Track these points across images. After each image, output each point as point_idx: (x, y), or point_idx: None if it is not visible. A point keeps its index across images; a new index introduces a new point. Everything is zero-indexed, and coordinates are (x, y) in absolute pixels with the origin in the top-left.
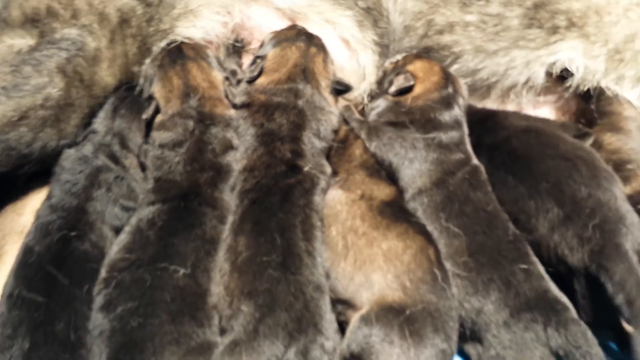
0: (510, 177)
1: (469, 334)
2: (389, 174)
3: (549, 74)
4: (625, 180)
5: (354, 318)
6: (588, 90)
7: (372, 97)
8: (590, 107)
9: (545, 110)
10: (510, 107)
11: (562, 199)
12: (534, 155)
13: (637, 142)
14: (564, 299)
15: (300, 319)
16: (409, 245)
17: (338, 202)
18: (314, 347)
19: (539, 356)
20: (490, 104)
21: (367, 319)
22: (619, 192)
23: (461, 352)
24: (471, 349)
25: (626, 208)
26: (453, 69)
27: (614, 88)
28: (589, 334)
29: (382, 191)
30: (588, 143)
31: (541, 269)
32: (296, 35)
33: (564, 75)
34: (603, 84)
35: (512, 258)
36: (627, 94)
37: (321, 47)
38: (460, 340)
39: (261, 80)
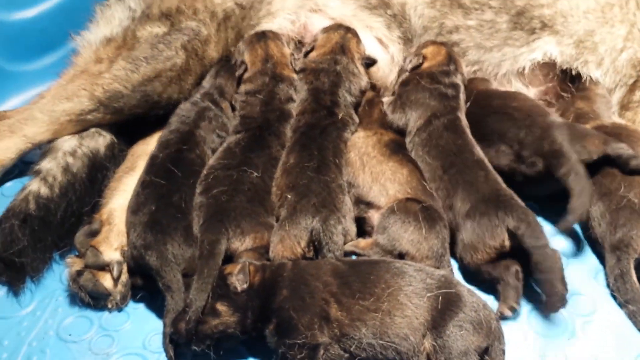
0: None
1: (451, 227)
2: (401, 133)
3: (535, 63)
4: (587, 122)
5: (382, 211)
6: (568, 74)
7: (400, 74)
8: (568, 85)
9: (535, 90)
10: (510, 88)
11: (509, 144)
12: (475, 119)
13: (599, 106)
14: (513, 194)
15: (324, 200)
16: (405, 166)
17: (357, 137)
18: (332, 217)
19: (492, 233)
20: (496, 85)
21: (391, 209)
22: (550, 119)
23: None
24: (456, 237)
25: (556, 125)
26: (464, 59)
27: (583, 70)
28: (531, 212)
29: (388, 135)
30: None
31: (498, 177)
32: (338, 27)
33: (549, 61)
34: (576, 66)
35: (475, 168)
36: (592, 73)
37: (355, 34)
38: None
39: (313, 54)
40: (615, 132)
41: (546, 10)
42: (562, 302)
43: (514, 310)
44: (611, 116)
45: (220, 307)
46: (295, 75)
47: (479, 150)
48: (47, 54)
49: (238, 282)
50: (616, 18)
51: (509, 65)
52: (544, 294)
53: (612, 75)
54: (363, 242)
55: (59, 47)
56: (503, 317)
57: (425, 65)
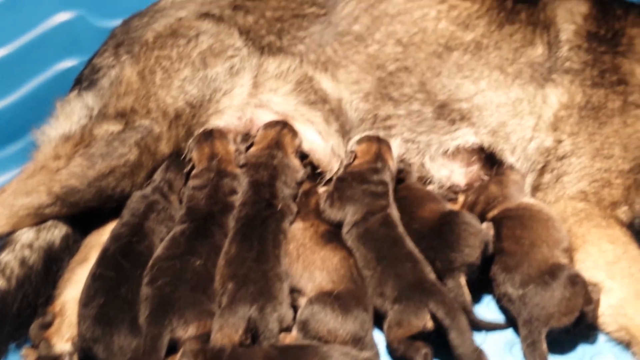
0: None
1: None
2: (337, 226)
3: (459, 147)
4: (495, 206)
5: (303, 301)
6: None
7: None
8: (487, 168)
9: (458, 168)
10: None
11: None
12: None
13: (510, 191)
14: (435, 282)
15: (262, 289)
16: (336, 255)
17: (296, 229)
18: (269, 306)
19: (416, 314)
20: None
21: (310, 300)
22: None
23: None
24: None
25: None
26: (400, 138)
27: (501, 156)
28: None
29: (324, 226)
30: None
31: (425, 267)
32: (276, 123)
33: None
34: (495, 153)
35: (404, 260)
36: (508, 160)
37: (290, 129)
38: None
39: (252, 149)
40: (519, 214)
41: (464, 104)
42: None
43: None
44: (520, 198)
45: None
46: (238, 170)
47: (409, 243)
48: (10, 144)
49: None
50: (525, 111)
51: (436, 148)
52: None
53: (524, 162)
54: (288, 338)
55: (22, 139)
56: None
57: (356, 162)
